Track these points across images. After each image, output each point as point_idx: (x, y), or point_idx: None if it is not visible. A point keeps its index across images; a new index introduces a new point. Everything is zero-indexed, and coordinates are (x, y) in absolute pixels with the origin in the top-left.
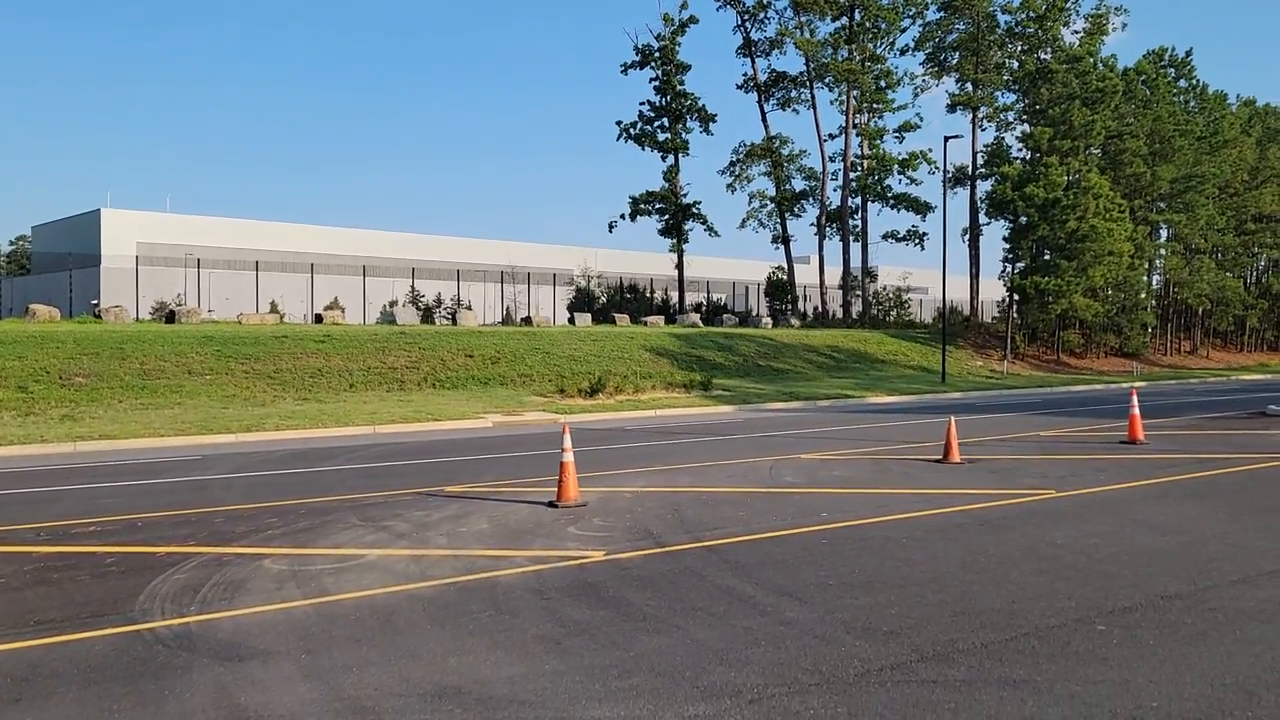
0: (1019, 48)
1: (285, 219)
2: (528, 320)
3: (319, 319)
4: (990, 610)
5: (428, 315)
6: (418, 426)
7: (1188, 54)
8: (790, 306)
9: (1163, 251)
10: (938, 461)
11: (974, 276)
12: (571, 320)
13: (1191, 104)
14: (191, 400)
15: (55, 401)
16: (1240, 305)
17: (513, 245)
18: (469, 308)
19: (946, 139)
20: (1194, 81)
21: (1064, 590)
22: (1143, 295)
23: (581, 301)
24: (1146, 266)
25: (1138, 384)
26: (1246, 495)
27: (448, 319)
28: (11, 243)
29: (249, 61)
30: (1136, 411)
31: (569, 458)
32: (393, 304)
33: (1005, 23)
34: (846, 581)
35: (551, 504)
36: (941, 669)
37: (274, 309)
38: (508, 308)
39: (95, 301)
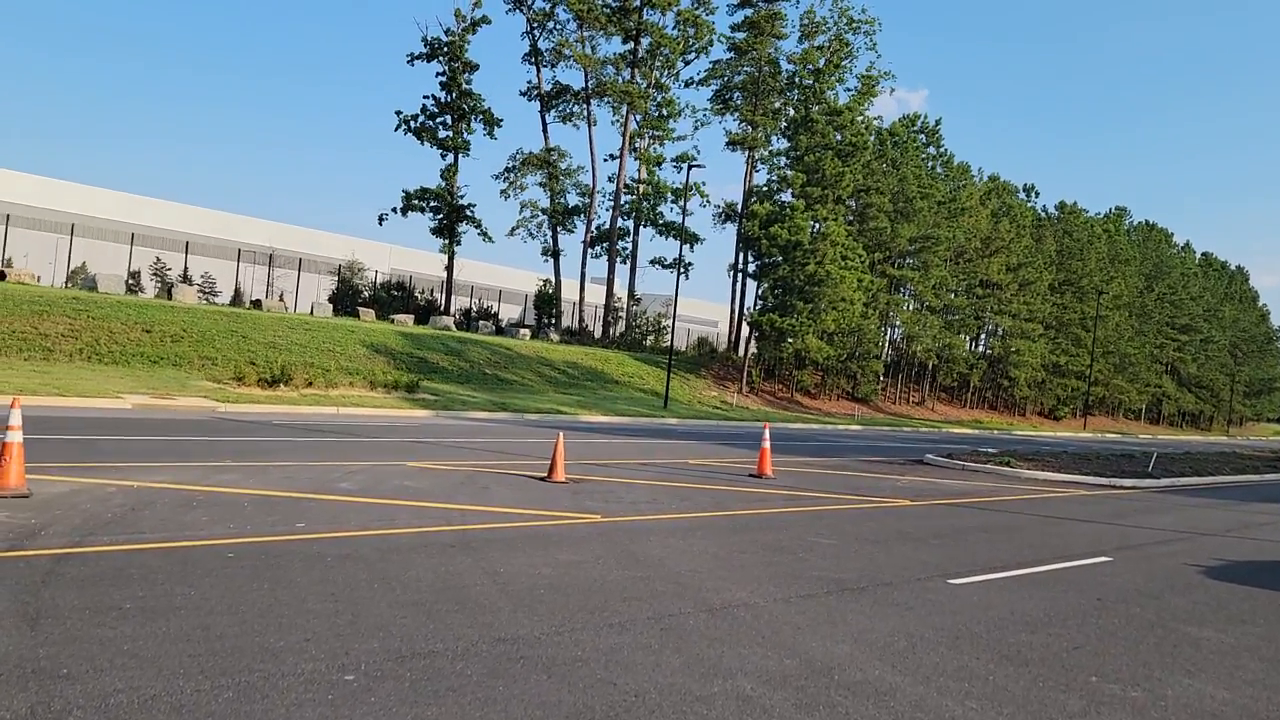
0: (795, 96)
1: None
2: (257, 303)
3: (1, 275)
4: (254, 649)
5: (137, 286)
6: (35, 400)
7: (938, 123)
8: (554, 321)
9: (899, 306)
10: (541, 479)
11: (734, 311)
12: (322, 312)
13: (939, 170)
14: None
15: None
16: (964, 364)
17: (282, 227)
18: (198, 284)
19: (689, 183)
20: (941, 149)
21: (381, 628)
22: (875, 345)
23: (344, 293)
24: (880, 318)
25: (853, 426)
26: (782, 533)
27: (163, 292)
28: None
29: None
30: (767, 446)
31: (15, 438)
32: (77, 269)
33: (787, 71)
34: (147, 606)
35: None
36: None
37: (10, 265)
38: (238, 287)
39: None
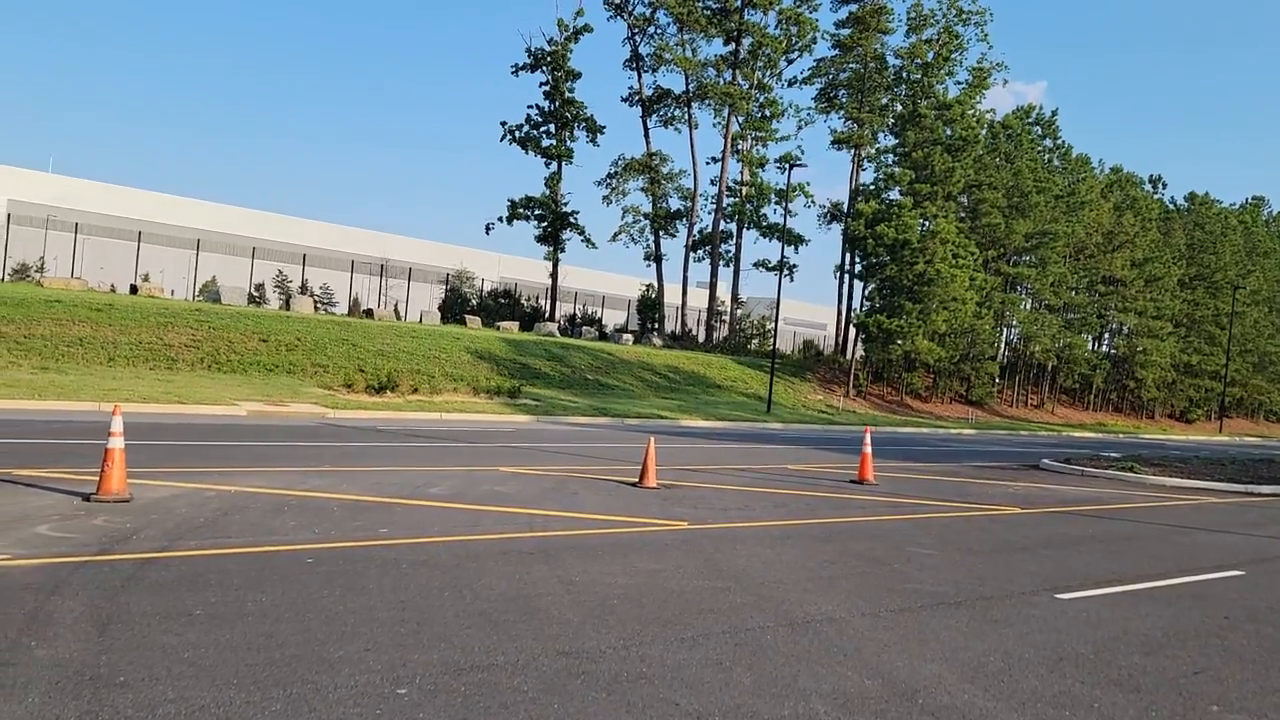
0: (902, 92)
1: (173, 191)
2: (369, 313)
3: (134, 289)
4: (314, 659)
5: (260, 298)
6: (156, 408)
7: (1054, 114)
8: (656, 325)
9: (1015, 305)
10: (632, 485)
11: (840, 313)
12: (430, 320)
13: (1055, 163)
14: None
15: None
16: (1086, 364)
17: (394, 238)
18: (317, 295)
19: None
20: (1059, 141)
21: (445, 641)
22: (989, 345)
23: (453, 301)
24: (994, 317)
25: (966, 431)
26: (878, 543)
27: (284, 303)
28: None
29: (142, 27)
30: (868, 450)
31: (117, 444)
32: (208, 282)
33: (894, 66)
34: (216, 613)
35: (87, 497)
36: None
37: (146, 280)
38: (355, 297)
39: None
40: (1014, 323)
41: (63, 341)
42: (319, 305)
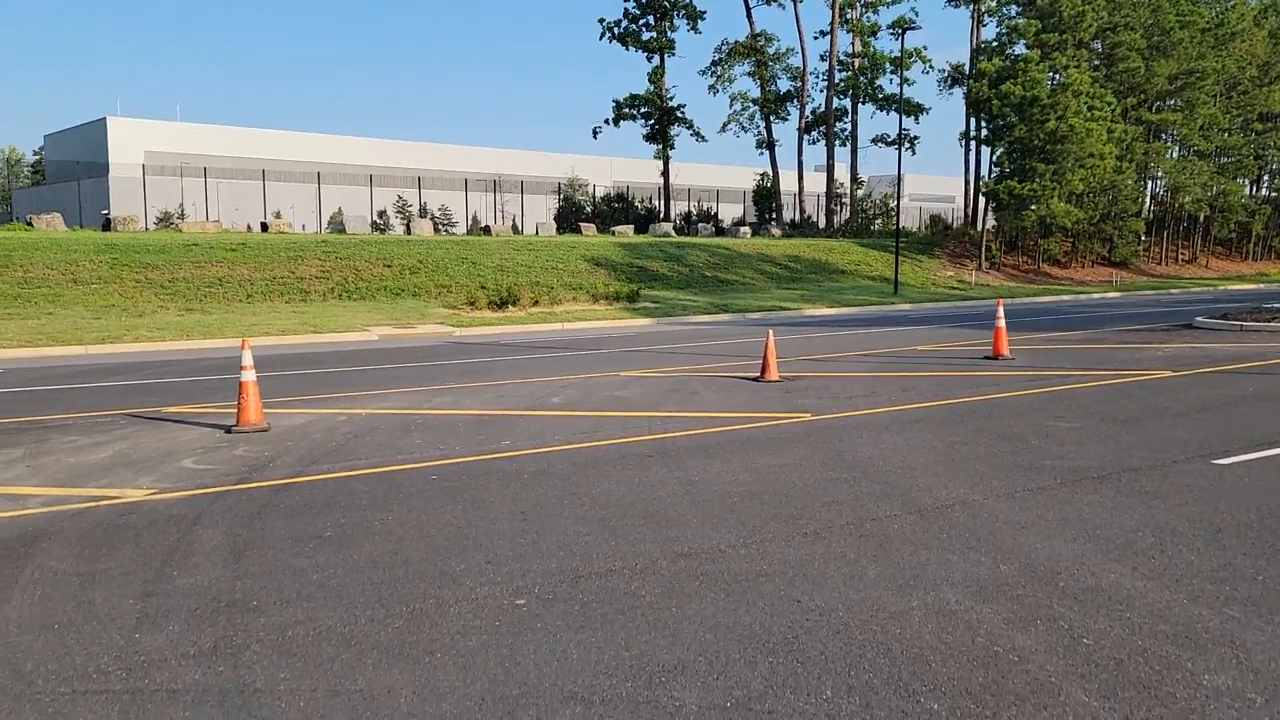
0: None
1: (293, 128)
2: (486, 230)
3: (265, 227)
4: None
5: (383, 224)
6: (294, 339)
7: None
8: (774, 215)
9: (1160, 154)
10: (753, 380)
11: (968, 183)
12: (546, 231)
13: None
14: (65, 310)
15: None
16: (1243, 211)
17: (506, 153)
18: (437, 216)
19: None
20: None
21: (547, 550)
22: (1133, 201)
23: (567, 211)
24: (1137, 170)
25: (1110, 294)
26: (1014, 420)
27: (404, 228)
28: (35, 152)
29: None
30: (1002, 324)
31: (249, 377)
32: (334, 214)
33: None
34: (344, 534)
35: (229, 430)
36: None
37: (278, 216)
38: (474, 215)
39: (106, 211)
40: (1159, 174)
41: (203, 282)
42: (439, 227)
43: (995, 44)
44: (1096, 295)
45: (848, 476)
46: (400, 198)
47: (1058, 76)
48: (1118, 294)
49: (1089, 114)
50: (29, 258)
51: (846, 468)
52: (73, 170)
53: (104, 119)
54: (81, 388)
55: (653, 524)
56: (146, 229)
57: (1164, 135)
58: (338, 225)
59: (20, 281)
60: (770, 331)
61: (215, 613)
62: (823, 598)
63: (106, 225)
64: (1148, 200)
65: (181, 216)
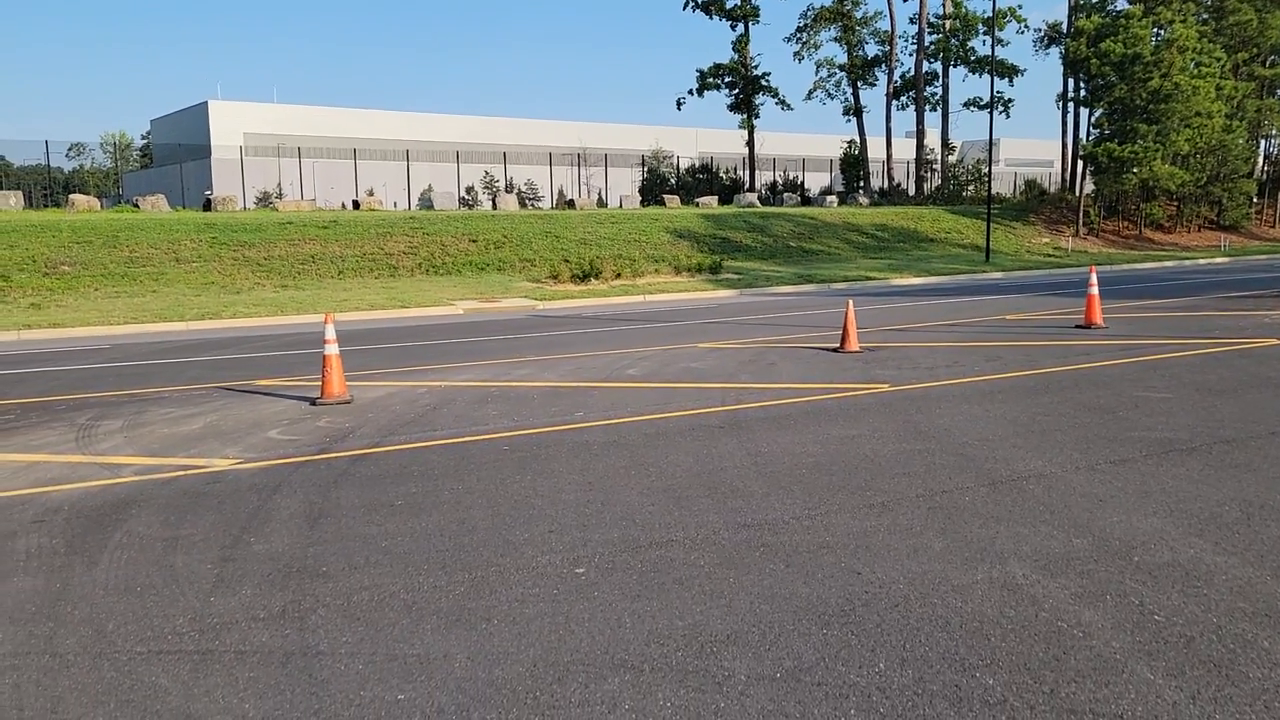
0: None
1: (384, 107)
2: (571, 203)
3: (356, 205)
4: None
5: (471, 200)
6: (380, 314)
7: None
8: (862, 183)
9: (1274, 112)
10: (832, 351)
11: (1066, 146)
12: (630, 204)
13: None
14: (168, 288)
15: (32, 290)
16: None
17: (590, 126)
18: (523, 191)
19: None
20: None
21: (588, 524)
22: (1244, 162)
23: (651, 183)
24: (1248, 129)
25: (1217, 260)
26: (1102, 390)
27: (491, 203)
28: (143, 136)
29: None
30: (1095, 291)
31: (332, 350)
32: (425, 190)
33: None
34: (415, 502)
35: (314, 401)
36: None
37: (371, 194)
38: (559, 190)
39: (208, 192)
40: (1274, 132)
41: (297, 260)
42: (524, 201)
43: (1095, 0)
44: (1203, 261)
45: (921, 448)
46: (487, 173)
47: (1162, 32)
48: (1226, 259)
49: (1196, 70)
50: (134, 238)
51: (921, 439)
52: (176, 153)
53: (205, 103)
54: (181, 362)
55: (717, 495)
56: (245, 208)
57: (1278, 91)
58: (426, 202)
59: (127, 260)
60: (850, 301)
61: (287, 578)
62: (884, 570)
63: (207, 205)
64: (1260, 160)
65: (279, 196)
